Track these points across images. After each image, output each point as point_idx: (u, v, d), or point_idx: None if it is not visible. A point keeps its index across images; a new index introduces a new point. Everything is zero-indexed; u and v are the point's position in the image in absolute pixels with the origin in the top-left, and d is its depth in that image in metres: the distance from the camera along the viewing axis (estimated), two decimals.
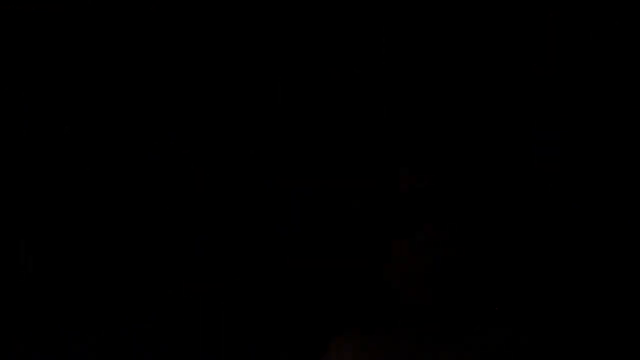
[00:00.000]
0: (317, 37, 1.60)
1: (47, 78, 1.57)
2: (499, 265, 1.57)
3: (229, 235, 1.42)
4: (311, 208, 1.37)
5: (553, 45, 1.57)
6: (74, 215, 1.60)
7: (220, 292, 1.39)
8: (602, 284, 1.54)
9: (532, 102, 1.58)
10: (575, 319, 1.54)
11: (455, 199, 1.59)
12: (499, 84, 1.59)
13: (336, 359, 1.19)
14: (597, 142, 1.56)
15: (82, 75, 1.57)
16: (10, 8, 1.53)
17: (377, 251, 1.10)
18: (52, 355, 1.50)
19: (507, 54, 1.58)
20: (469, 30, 1.59)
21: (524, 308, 1.56)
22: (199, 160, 1.16)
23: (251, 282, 1.36)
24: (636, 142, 1.55)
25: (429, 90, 1.60)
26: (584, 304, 1.54)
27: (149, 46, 1.55)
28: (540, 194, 1.57)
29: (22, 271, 1.56)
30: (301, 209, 1.28)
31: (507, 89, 1.58)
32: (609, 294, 1.53)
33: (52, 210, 1.59)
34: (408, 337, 1.14)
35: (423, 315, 1.10)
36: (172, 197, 1.17)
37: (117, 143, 1.61)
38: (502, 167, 1.59)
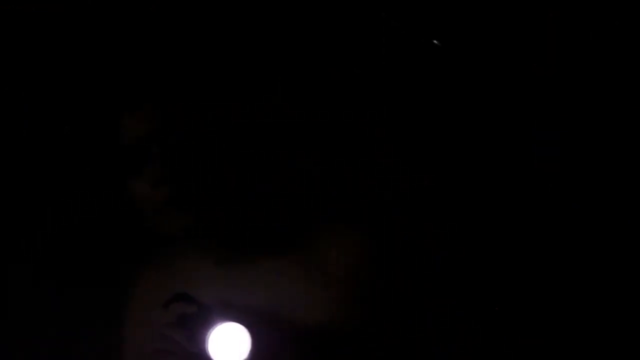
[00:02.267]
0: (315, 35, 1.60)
1: (47, 78, 1.57)
2: (498, 265, 1.57)
3: None
4: None
5: (553, 45, 1.57)
6: (74, 215, 1.60)
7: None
8: (602, 284, 1.54)
9: (532, 102, 1.58)
10: (575, 319, 1.54)
11: (455, 198, 1.59)
12: (499, 84, 1.59)
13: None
14: (597, 142, 1.56)
15: (82, 75, 1.57)
16: (11, 8, 1.53)
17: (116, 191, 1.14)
18: None
19: (507, 54, 1.58)
20: (468, 29, 1.59)
21: (522, 308, 1.56)
22: (200, 161, 1.17)
23: None
24: (636, 142, 1.55)
25: (428, 90, 1.61)
26: (584, 304, 1.54)
27: (149, 45, 1.55)
28: (540, 194, 1.57)
29: (23, 272, 1.56)
30: None
31: (507, 89, 1.58)
32: (609, 294, 1.54)
33: (52, 209, 1.59)
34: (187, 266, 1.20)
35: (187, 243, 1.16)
36: (170, 197, 1.17)
37: (118, 142, 1.61)
38: (502, 167, 1.59)
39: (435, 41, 1.49)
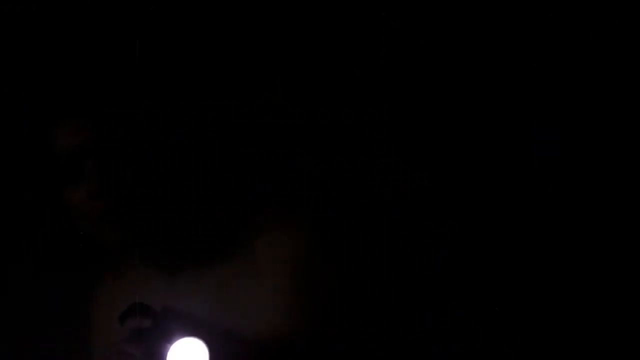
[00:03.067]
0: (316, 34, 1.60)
1: (47, 78, 1.57)
2: (498, 265, 1.57)
3: None
4: None
5: (553, 45, 1.57)
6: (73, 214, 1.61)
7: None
8: (602, 284, 1.54)
9: (532, 102, 1.58)
10: (575, 319, 1.54)
11: (455, 198, 1.59)
12: (499, 84, 1.59)
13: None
14: (597, 142, 1.56)
15: (81, 75, 1.57)
16: (11, 8, 1.53)
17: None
18: None
19: (507, 54, 1.58)
20: (468, 29, 1.59)
21: (522, 308, 1.56)
22: (201, 164, 1.16)
23: None
24: (636, 142, 1.55)
25: (428, 90, 1.61)
26: (584, 304, 1.54)
27: (150, 45, 1.55)
28: (540, 194, 1.57)
29: (24, 274, 1.56)
30: None
31: (507, 89, 1.58)
32: (609, 294, 1.53)
33: (52, 209, 1.59)
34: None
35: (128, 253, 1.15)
36: (169, 199, 1.17)
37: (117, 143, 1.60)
38: (502, 167, 1.59)
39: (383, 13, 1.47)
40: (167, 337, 1.04)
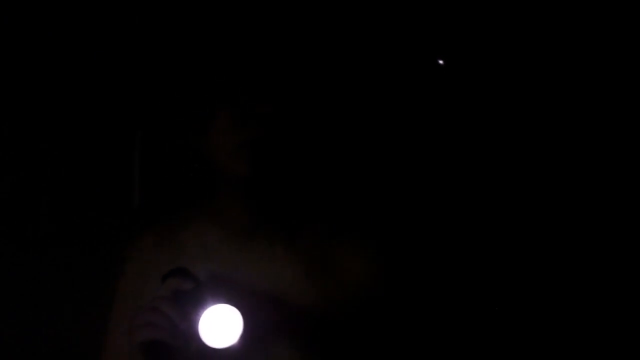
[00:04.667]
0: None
1: (46, 78, 1.57)
2: (499, 265, 1.58)
3: None
4: None
5: (553, 45, 1.57)
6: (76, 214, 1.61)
7: None
8: (602, 284, 1.54)
9: (532, 102, 1.58)
10: (575, 319, 1.54)
11: (456, 198, 1.59)
12: (498, 84, 1.59)
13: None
14: (596, 142, 1.56)
15: (81, 76, 1.58)
16: (11, 8, 1.53)
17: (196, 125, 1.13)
18: None
19: (507, 53, 1.58)
20: (468, 30, 1.59)
21: (522, 308, 1.57)
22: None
23: None
24: (636, 142, 1.55)
25: (429, 90, 1.61)
26: (584, 304, 1.54)
27: (149, 45, 1.55)
28: (540, 194, 1.58)
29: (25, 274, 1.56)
30: None
31: (507, 89, 1.59)
32: (609, 294, 1.54)
33: (52, 210, 1.59)
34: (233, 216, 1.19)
35: (248, 190, 1.15)
36: (166, 200, 1.17)
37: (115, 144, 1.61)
38: (502, 167, 1.59)
39: (440, 61, 1.50)
40: (204, 303, 1.04)
